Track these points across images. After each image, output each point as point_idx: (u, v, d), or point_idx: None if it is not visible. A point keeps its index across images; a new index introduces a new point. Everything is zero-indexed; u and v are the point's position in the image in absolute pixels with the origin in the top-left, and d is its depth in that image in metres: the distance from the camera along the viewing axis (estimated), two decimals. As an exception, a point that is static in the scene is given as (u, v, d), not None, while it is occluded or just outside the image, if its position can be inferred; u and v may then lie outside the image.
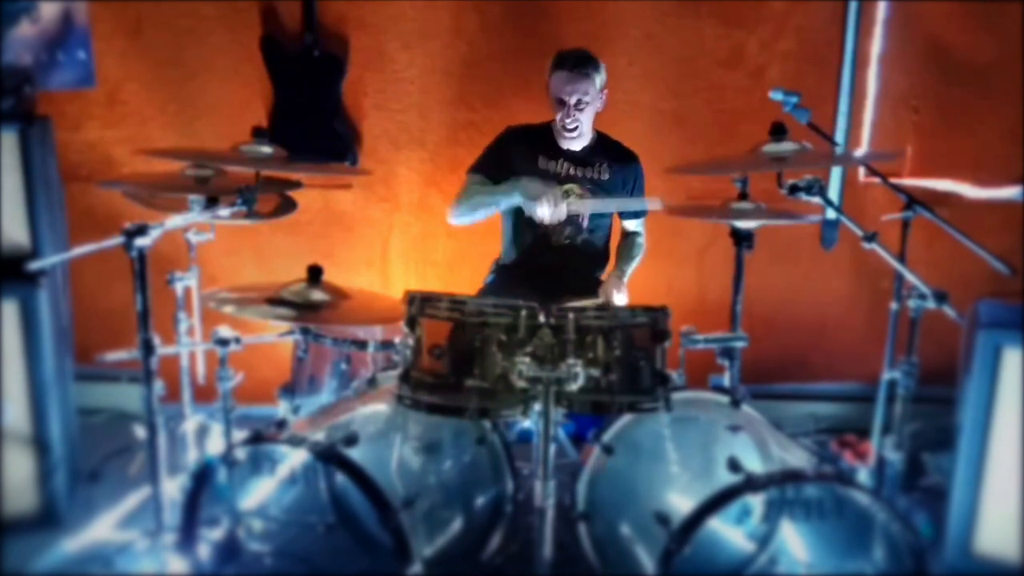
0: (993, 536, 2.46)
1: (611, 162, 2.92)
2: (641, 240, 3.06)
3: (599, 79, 2.82)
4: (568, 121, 2.81)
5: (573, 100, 2.78)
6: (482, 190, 2.88)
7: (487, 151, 2.96)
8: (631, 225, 3.06)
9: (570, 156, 2.91)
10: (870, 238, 2.13)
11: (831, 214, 3.29)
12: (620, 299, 2.81)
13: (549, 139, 2.93)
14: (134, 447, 2.66)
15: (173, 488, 2.35)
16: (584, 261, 2.97)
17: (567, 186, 2.87)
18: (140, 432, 2.23)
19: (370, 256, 3.56)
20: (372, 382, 2.38)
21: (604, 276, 2.99)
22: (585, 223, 2.91)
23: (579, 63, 2.79)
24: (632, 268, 2.98)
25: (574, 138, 2.86)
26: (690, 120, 3.39)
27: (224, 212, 2.34)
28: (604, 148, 2.95)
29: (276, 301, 2.16)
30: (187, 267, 2.70)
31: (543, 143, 2.93)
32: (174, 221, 2.22)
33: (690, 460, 2.19)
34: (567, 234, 2.91)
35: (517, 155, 2.91)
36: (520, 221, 2.94)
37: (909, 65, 3.31)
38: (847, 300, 3.51)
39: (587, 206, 2.85)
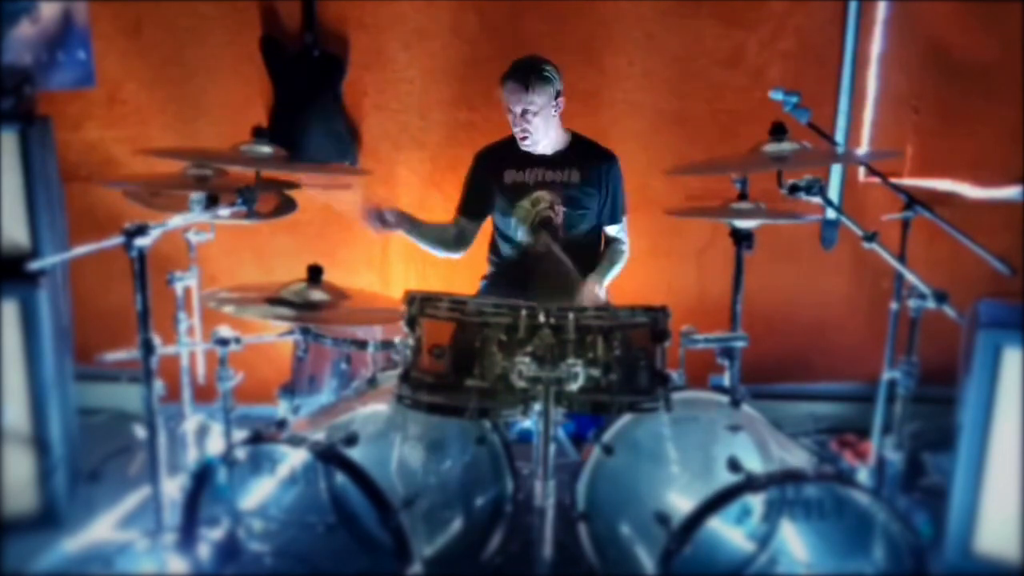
0: (993, 536, 2.46)
1: (582, 164, 2.91)
2: (623, 247, 3.01)
3: (548, 88, 2.80)
4: (517, 131, 2.84)
5: (519, 110, 2.81)
6: None
7: (463, 188, 3.00)
8: (611, 231, 3.02)
9: (540, 162, 2.91)
10: (870, 238, 2.12)
11: (831, 214, 3.28)
12: (597, 301, 2.77)
13: (517, 151, 2.93)
14: (134, 447, 2.66)
15: (173, 488, 2.35)
16: (565, 267, 2.87)
17: (536, 194, 2.88)
18: (140, 432, 2.23)
19: (370, 256, 3.55)
20: (372, 382, 2.38)
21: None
22: (559, 222, 2.88)
23: (521, 74, 2.79)
24: (612, 274, 2.93)
25: (529, 146, 2.87)
26: (690, 120, 3.39)
27: (224, 212, 2.34)
28: (576, 150, 2.94)
29: (276, 301, 2.16)
30: (187, 267, 2.70)
31: (510, 157, 2.93)
32: (174, 221, 2.22)
33: (690, 460, 2.19)
34: (543, 241, 2.89)
35: (486, 178, 2.95)
36: (498, 236, 2.98)
37: (909, 65, 3.31)
38: (847, 300, 3.51)
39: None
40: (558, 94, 2.84)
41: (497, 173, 2.93)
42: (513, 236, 2.94)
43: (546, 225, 2.88)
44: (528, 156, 2.92)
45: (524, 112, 2.80)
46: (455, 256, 3.00)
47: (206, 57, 3.40)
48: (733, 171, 2.52)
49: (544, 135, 2.87)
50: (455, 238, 2.99)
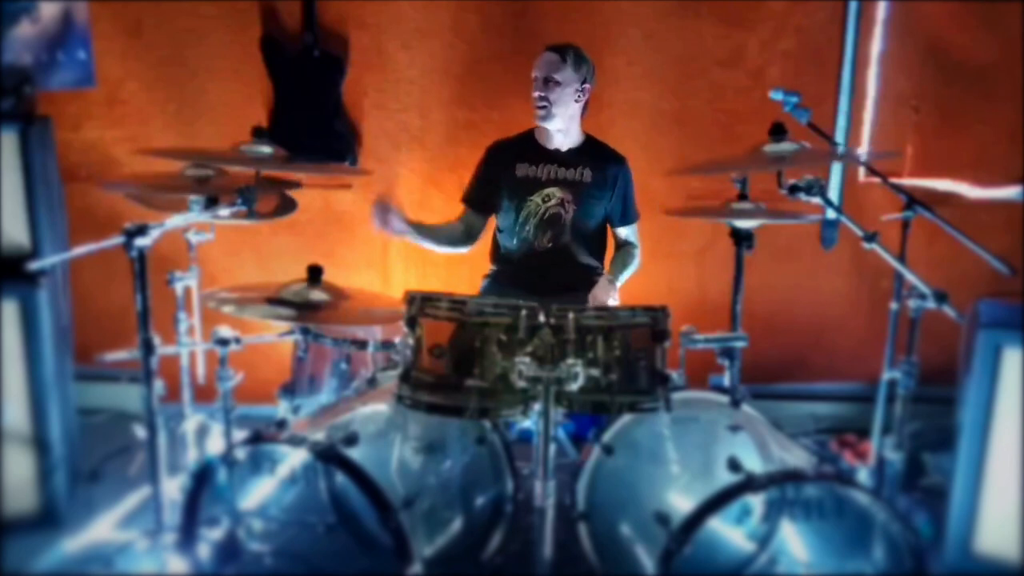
0: (993, 536, 2.46)
1: (594, 164, 2.92)
2: (636, 251, 3.02)
3: (579, 70, 2.83)
4: (537, 98, 2.82)
5: (541, 75, 2.81)
6: None
7: (472, 178, 3.00)
8: (622, 232, 3.03)
9: (553, 159, 2.92)
10: (870, 238, 2.13)
11: (831, 214, 3.29)
12: (609, 302, 2.77)
13: (531, 145, 2.94)
14: (134, 447, 2.66)
15: (173, 488, 2.35)
16: (571, 264, 2.94)
17: (546, 190, 2.88)
18: (140, 432, 2.23)
19: (370, 256, 3.55)
20: (372, 382, 2.38)
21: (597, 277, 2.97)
22: (568, 220, 2.89)
23: (561, 46, 2.84)
24: (626, 275, 2.93)
25: (544, 119, 2.85)
26: (690, 120, 3.39)
27: (224, 212, 2.34)
28: (589, 150, 2.95)
29: (276, 301, 2.16)
30: (187, 267, 2.70)
31: (524, 151, 2.94)
32: (174, 221, 2.22)
33: (690, 460, 2.19)
34: (548, 238, 2.91)
35: (497, 168, 2.96)
36: (500, 233, 2.98)
37: (909, 65, 3.31)
38: (847, 300, 3.51)
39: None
40: (584, 82, 2.85)
41: (509, 166, 2.93)
42: (518, 232, 2.93)
43: (555, 222, 2.89)
44: (543, 151, 2.92)
45: (547, 80, 2.80)
46: (463, 251, 2.99)
47: (206, 57, 3.40)
48: (733, 171, 2.52)
49: (561, 118, 2.85)
50: (463, 234, 2.98)
